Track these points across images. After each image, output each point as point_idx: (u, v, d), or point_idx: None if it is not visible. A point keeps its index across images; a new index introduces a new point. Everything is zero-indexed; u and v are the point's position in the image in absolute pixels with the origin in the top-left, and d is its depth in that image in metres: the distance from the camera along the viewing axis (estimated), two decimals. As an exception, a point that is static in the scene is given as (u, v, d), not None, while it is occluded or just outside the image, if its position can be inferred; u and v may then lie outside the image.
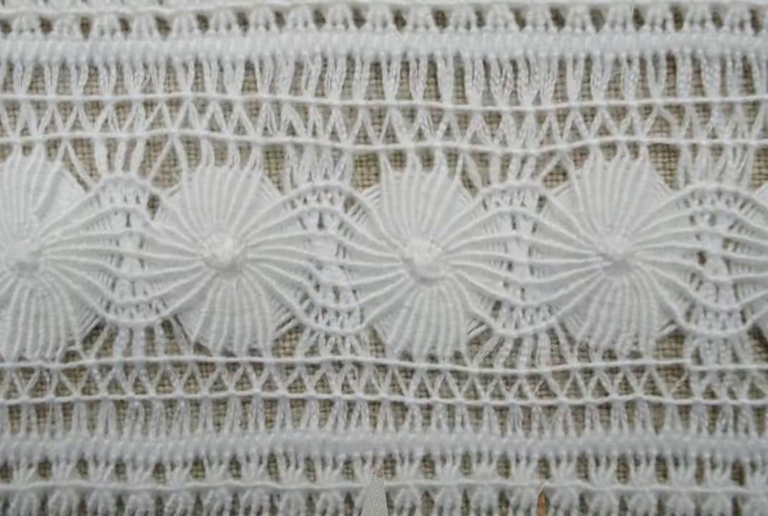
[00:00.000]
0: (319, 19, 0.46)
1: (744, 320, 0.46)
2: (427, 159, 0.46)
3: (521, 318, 0.46)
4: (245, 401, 0.47)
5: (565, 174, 0.46)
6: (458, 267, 0.45)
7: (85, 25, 0.47)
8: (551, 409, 0.46)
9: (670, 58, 0.46)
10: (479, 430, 0.46)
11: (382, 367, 0.46)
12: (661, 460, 0.46)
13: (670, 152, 0.46)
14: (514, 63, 0.46)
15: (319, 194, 0.46)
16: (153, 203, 0.46)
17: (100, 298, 0.46)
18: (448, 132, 0.46)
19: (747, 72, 0.46)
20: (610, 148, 0.46)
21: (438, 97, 0.46)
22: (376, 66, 0.46)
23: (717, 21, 0.46)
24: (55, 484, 0.46)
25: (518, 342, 0.46)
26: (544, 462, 0.46)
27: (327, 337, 0.46)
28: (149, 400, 0.46)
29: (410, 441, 0.46)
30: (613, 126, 0.46)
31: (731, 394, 0.46)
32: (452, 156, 0.46)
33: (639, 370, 0.46)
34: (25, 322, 0.45)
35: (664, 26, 0.46)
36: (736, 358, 0.46)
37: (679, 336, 0.46)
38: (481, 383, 0.46)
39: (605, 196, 0.45)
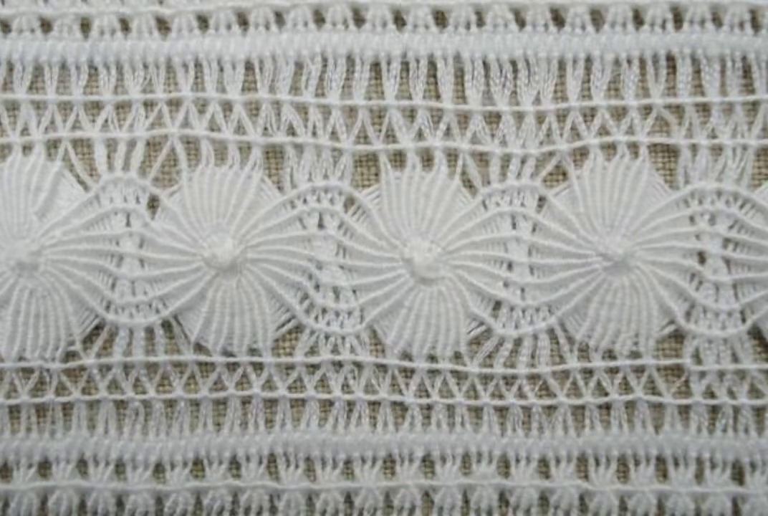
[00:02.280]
0: (319, 19, 0.46)
1: (744, 320, 0.46)
2: (427, 159, 0.46)
3: (521, 318, 0.46)
4: (245, 401, 0.47)
5: (565, 174, 0.46)
6: (458, 267, 0.45)
7: (85, 25, 0.47)
8: (551, 409, 0.46)
9: (670, 58, 0.46)
10: (479, 430, 0.46)
11: (382, 367, 0.46)
12: (661, 460, 0.46)
13: (670, 152, 0.46)
14: (513, 63, 0.46)
15: (319, 194, 0.46)
16: (153, 203, 0.46)
17: (100, 298, 0.46)
18: (448, 132, 0.46)
19: (747, 72, 0.46)
20: (610, 148, 0.46)
21: (438, 97, 0.46)
22: (376, 66, 0.46)
23: (717, 21, 0.46)
24: (55, 484, 0.46)
25: (518, 342, 0.46)
26: (544, 462, 0.46)
27: (327, 337, 0.46)
28: (149, 400, 0.46)
29: (410, 441, 0.46)
30: (613, 126, 0.46)
31: (731, 394, 0.46)
32: (452, 156, 0.46)
33: (639, 370, 0.46)
34: (25, 322, 0.45)
35: (663, 26, 0.46)
36: (735, 358, 0.46)
37: (679, 336, 0.46)
38: (481, 383, 0.46)
39: (605, 196, 0.45)
